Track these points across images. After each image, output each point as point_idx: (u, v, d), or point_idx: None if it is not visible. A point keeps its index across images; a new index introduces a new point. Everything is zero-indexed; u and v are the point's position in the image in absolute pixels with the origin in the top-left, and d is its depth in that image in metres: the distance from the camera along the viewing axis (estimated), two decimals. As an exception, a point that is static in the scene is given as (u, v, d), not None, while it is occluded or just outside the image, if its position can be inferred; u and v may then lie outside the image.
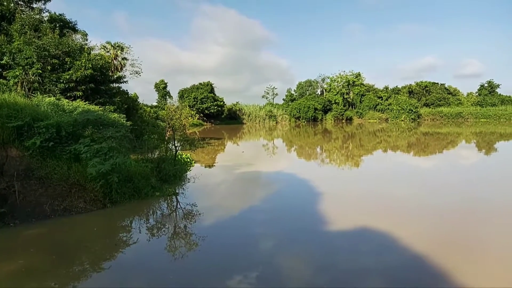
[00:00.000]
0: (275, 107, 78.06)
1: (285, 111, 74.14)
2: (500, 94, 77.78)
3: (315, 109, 68.52)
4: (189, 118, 14.02)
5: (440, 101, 76.66)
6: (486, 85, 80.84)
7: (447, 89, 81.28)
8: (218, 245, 6.56)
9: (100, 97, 16.45)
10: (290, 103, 79.05)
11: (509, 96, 76.47)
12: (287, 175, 14.13)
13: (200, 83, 63.42)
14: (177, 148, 13.32)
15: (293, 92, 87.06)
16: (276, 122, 70.28)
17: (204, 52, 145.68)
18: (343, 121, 69.57)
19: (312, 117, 68.47)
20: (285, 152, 23.07)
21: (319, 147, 26.33)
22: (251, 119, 70.05)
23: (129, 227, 7.71)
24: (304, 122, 68.09)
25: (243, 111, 71.39)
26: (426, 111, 69.27)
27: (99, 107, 13.91)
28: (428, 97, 78.35)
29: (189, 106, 52.86)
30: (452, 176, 13.72)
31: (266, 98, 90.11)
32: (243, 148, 25.17)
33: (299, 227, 7.50)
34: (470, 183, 12.37)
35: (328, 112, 71.70)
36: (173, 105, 15.46)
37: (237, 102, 73.56)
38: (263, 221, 8.01)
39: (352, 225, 7.41)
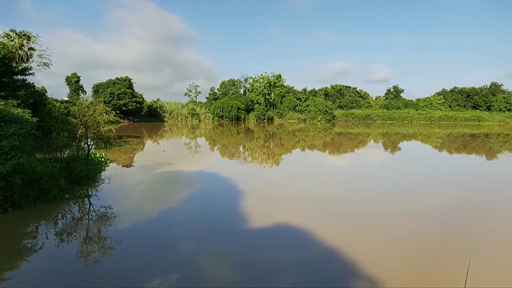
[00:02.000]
0: (198, 105, 77.23)
1: (208, 110, 73.74)
2: (404, 99, 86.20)
3: (238, 108, 69.18)
4: (104, 114, 13.17)
5: (352, 103, 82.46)
6: (392, 90, 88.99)
7: (359, 93, 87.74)
8: (135, 248, 6.26)
9: (2, 90, 14.74)
10: (213, 102, 78.77)
11: (412, 100, 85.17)
12: (210, 174, 14.03)
13: (117, 78, 60.24)
14: (90, 147, 12.46)
15: (216, 91, 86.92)
16: (199, 121, 69.57)
17: (121, 46, 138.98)
18: (265, 120, 71.28)
19: (235, 116, 69.03)
20: (208, 151, 22.91)
21: (241, 146, 26.61)
22: (172, 117, 68.43)
23: (34, 233, 7.00)
24: (227, 121, 68.36)
25: (164, 108, 69.47)
26: (340, 113, 74.04)
27: (0, 101, 12.46)
28: (342, 99, 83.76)
29: (104, 102, 49.85)
30: (363, 172, 14.82)
31: (189, 96, 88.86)
32: (164, 146, 24.44)
33: (220, 227, 7.48)
34: (380, 178, 13.45)
35: (250, 111, 72.86)
36: (87, 100, 14.41)
37: (158, 99, 71.34)
38: (183, 221, 7.84)
39: (272, 223, 7.58)
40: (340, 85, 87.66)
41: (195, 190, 11.04)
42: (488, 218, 8.39)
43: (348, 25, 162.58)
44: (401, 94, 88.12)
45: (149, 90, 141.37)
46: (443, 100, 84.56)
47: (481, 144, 29.80)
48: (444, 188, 11.77)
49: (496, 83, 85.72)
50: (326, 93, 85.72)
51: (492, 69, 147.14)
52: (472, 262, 5.60)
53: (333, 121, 69.45)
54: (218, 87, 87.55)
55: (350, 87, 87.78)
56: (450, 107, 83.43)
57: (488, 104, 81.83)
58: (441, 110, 79.88)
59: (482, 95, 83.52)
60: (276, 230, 7.23)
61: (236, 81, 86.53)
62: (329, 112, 68.65)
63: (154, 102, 69.60)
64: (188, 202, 9.55)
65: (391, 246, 6.46)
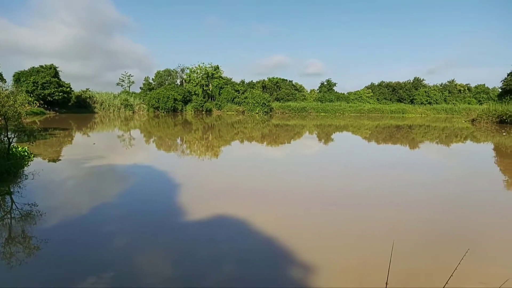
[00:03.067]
0: (131, 96, 74.03)
1: (143, 101, 71.03)
2: (336, 92, 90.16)
3: (175, 99, 67.56)
4: (26, 105, 12.11)
5: (288, 96, 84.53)
6: (325, 83, 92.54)
7: (294, 86, 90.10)
8: (64, 247, 5.84)
9: None
10: (148, 92, 76.06)
11: (343, 94, 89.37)
12: (145, 168, 13.55)
13: (42, 66, 55.75)
14: (10, 140, 11.40)
15: (151, 81, 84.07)
16: (133, 112, 66.83)
17: (47, 31, 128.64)
18: (203, 112, 70.48)
19: (172, 108, 67.34)
20: (143, 144, 22.11)
21: (179, 138, 26.07)
22: (104, 108, 64.96)
23: None
24: (163, 112, 66.46)
25: (95, 99, 65.69)
26: (277, 105, 75.52)
27: None
28: (278, 92, 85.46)
29: (27, 91, 45.96)
30: (300, 162, 15.28)
31: (122, 86, 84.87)
32: (95, 139, 23.13)
33: (157, 221, 7.25)
34: (315, 167, 13.95)
35: (188, 103, 71.54)
36: (6, 89, 13.11)
37: (87, 89, 67.28)
38: (117, 217, 7.48)
39: (211, 215, 7.52)
40: (277, 78, 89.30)
41: (130, 184, 10.59)
42: (409, 198, 9.09)
43: (287, 19, 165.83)
44: (333, 88, 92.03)
45: (77, 79, 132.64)
46: (372, 94, 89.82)
47: (405, 134, 32.18)
48: (373, 174, 12.53)
49: (418, 78, 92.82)
50: (263, 86, 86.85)
51: (416, 66, 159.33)
52: (396, 243, 6.01)
53: (270, 113, 70.65)
54: (153, 77, 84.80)
55: (286, 80, 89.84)
56: (378, 100, 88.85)
57: (412, 98, 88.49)
58: (370, 103, 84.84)
59: (406, 89, 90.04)
60: (215, 222, 7.18)
61: (173, 71, 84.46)
62: (266, 104, 69.68)
63: (83, 92, 65.51)
64: (122, 197, 9.13)
65: (328, 233, 6.72)
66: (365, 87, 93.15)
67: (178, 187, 9.95)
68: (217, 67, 76.72)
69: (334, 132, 33.95)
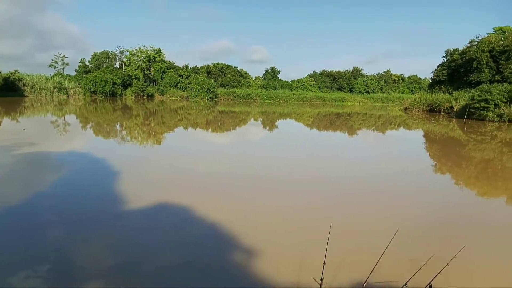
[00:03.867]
0: (66, 79, 69.22)
1: (79, 84, 66.78)
2: (280, 79, 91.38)
3: (114, 83, 64.33)
4: None
5: (233, 82, 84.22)
6: (270, 70, 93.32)
7: (239, 72, 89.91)
8: (-9, 242, 5.39)
9: None
10: (84, 75, 71.48)
11: (287, 81, 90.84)
12: (82, 155, 12.83)
13: (-40, 43, 50.14)
14: None
15: (87, 63, 79.16)
16: (68, 96, 62.70)
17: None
18: (145, 97, 67.93)
19: (111, 92, 64.10)
20: (79, 130, 20.90)
21: (118, 124, 24.98)
22: (35, 92, 60.19)
23: None
24: (101, 97, 63.07)
25: (25, 81, 60.55)
26: (222, 91, 74.95)
27: None
28: (223, 78, 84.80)
29: None
30: (245, 149, 15.38)
31: (55, 68, 78.92)
32: (25, 125, 21.46)
33: (95, 211, 6.92)
34: (259, 154, 14.11)
35: (128, 87, 68.49)
36: None
37: (16, 71, 61.74)
38: (52, 207, 7.02)
39: (153, 203, 7.32)
40: (222, 63, 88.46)
41: (66, 173, 9.98)
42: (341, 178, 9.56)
43: (230, 4, 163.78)
44: (278, 75, 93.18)
45: (4, 60, 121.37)
46: (314, 82, 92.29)
47: (344, 122, 33.63)
48: (314, 161, 12.98)
49: (357, 67, 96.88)
50: (208, 71, 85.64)
51: (355, 56, 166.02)
52: (333, 225, 6.29)
53: (215, 99, 69.99)
54: (90, 59, 79.85)
55: (231, 66, 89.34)
56: (320, 89, 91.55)
57: (351, 87, 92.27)
58: (312, 91, 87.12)
59: (346, 78, 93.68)
60: (158, 210, 7.01)
61: (111, 54, 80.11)
62: (211, 90, 68.82)
63: (12, 74, 60.06)
64: (57, 186, 8.58)
65: (270, 218, 6.85)
66: (308, 75, 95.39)
67: (118, 175, 9.55)
68: (159, 50, 74.15)
69: (279, 119, 34.54)
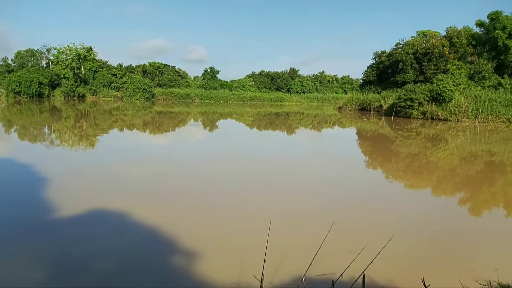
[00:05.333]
0: (-16, 79, 63.11)
1: (1, 85, 61.18)
2: (219, 79, 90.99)
3: (40, 83, 59.76)
4: None
5: (171, 82, 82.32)
6: (209, 70, 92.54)
7: (177, 72, 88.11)
8: None
9: None
10: (7, 75, 65.61)
11: (226, 81, 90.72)
12: (5, 161, 11.76)
13: None
14: None
15: (10, 62, 72.74)
16: (-13, 98, 57.19)
17: None
18: (75, 98, 63.96)
19: (37, 93, 59.46)
20: (2, 134, 19.13)
21: (47, 127, 23.26)
22: None
23: None
24: (26, 98, 58.30)
25: None
26: (159, 91, 72.89)
27: None
28: (161, 78, 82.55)
29: None
30: (185, 150, 15.10)
31: (-29, 67, 71.53)
32: None
33: (22, 220, 6.36)
34: (198, 156, 13.92)
35: (56, 87, 63.99)
36: None
37: None
38: (-31, 220, 6.34)
39: (86, 210, 6.89)
40: (158, 62, 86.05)
41: (-15, 181, 9.07)
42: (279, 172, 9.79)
43: (164, 1, 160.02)
44: (217, 75, 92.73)
45: None
46: (253, 82, 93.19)
47: (283, 121, 34.42)
48: (255, 159, 13.11)
49: (294, 68, 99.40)
50: (144, 70, 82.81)
51: (292, 57, 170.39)
52: (274, 222, 6.40)
53: (152, 99, 67.85)
54: (13, 58, 73.51)
55: (169, 65, 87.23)
56: (259, 89, 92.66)
57: (288, 87, 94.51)
58: (251, 91, 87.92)
59: (284, 79, 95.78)
60: (92, 217, 6.62)
61: (37, 52, 74.34)
62: (148, 90, 66.56)
63: None
64: (-25, 196, 7.77)
65: (210, 220, 6.79)
66: (247, 75, 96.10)
67: (47, 181, 8.86)
68: (90, 49, 70.19)
69: (219, 119, 34.43)
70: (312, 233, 6.00)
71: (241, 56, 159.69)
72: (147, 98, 66.06)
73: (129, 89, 65.78)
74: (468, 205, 8.71)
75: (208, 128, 26.20)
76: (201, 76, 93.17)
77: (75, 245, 5.41)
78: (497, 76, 35.59)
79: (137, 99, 64.52)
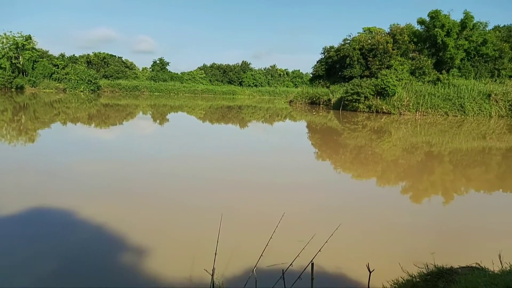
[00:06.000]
0: None
1: None
2: (169, 71, 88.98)
3: (-29, 73, 54.99)
4: None
5: (118, 73, 79.15)
6: (158, 62, 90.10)
7: (125, 63, 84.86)
8: None
9: None
10: None
11: (177, 74, 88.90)
12: None
13: None
14: None
15: None
16: None
17: None
18: (13, 89, 59.51)
19: (-33, 84, 54.68)
20: None
21: (-22, 120, 21.46)
22: None
23: None
24: (-46, 89, 53.38)
25: None
26: (105, 83, 69.81)
27: None
28: (107, 69, 79.09)
29: None
30: (133, 144, 14.60)
31: None
32: None
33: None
34: (146, 151, 13.53)
35: (-10, 78, 59.21)
36: None
37: None
38: None
39: (28, 208, 6.47)
40: (104, 53, 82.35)
41: None
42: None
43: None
44: (167, 67, 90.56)
45: None
46: (204, 75, 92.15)
47: (236, 114, 34.40)
48: (205, 154, 13.00)
49: (246, 62, 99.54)
50: (88, 61, 78.87)
51: (243, 49, 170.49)
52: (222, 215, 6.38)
53: (98, 91, 64.83)
54: None
55: (115, 56, 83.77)
56: (211, 82, 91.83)
57: (240, 80, 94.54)
58: (203, 84, 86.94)
59: (236, 72, 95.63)
60: (34, 216, 6.22)
61: (-33, 40, 68.21)
62: (93, 81, 63.50)
63: None
64: None
65: (159, 215, 6.64)
66: (198, 68, 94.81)
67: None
68: (29, 37, 65.58)
69: (170, 112, 33.67)
70: (263, 225, 6.05)
71: (192, 48, 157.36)
72: (92, 90, 63.00)
73: (72, 81, 62.41)
74: (410, 194, 9.24)
75: (158, 121, 25.53)
76: (150, 68, 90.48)
77: (17, 246, 5.05)
78: (436, 71, 37.92)
79: (81, 91, 61.35)
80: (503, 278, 1.79)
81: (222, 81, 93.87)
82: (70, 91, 61.02)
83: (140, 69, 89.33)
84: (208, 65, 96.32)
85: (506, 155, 15.43)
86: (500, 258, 2.36)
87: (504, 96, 32.68)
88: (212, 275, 2.40)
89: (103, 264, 4.71)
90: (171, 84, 77.94)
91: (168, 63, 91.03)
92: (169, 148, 14.20)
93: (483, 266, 2.45)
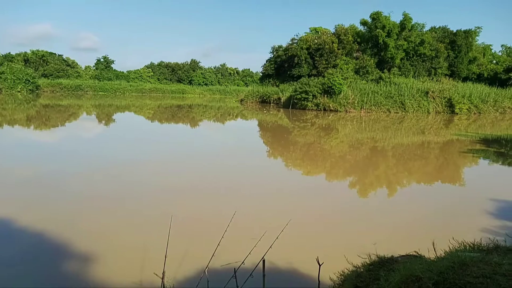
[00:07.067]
0: None
1: None
2: (115, 70, 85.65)
3: None
4: None
5: (59, 72, 74.92)
6: (102, 60, 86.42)
7: (66, 61, 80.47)
8: None
9: None
10: None
11: (123, 72, 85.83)
12: None
13: None
14: None
15: None
16: None
17: None
18: None
19: None
20: None
21: None
22: None
23: None
24: None
25: None
26: (45, 82, 65.73)
27: None
28: (46, 67, 74.59)
29: None
30: (78, 146, 13.89)
31: None
32: None
33: None
34: (90, 152, 12.96)
35: None
36: None
37: None
38: None
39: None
40: (43, 50, 77.52)
41: None
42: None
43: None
44: (111, 65, 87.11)
45: None
46: (152, 73, 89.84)
47: (186, 113, 33.90)
48: (153, 153, 12.71)
49: (195, 60, 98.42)
50: (26, 59, 73.93)
51: (192, 47, 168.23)
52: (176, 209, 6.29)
53: (37, 91, 60.88)
54: None
55: (55, 54, 79.18)
56: (159, 80, 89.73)
57: (190, 79, 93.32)
58: (151, 83, 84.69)
59: (185, 70, 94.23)
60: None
61: None
62: (31, 81, 59.51)
63: None
64: None
65: (104, 222, 6.41)
66: (145, 66, 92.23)
67: None
68: (-44, 32, 60.21)
69: (116, 113, 32.45)
70: (215, 225, 6.03)
71: (138, 45, 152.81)
72: (30, 90, 59.05)
73: (8, 80, 58.06)
74: (357, 188, 9.64)
75: (103, 122, 24.50)
76: (93, 66, 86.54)
77: None
78: (378, 70, 39.90)
79: (19, 91, 57.25)
80: (437, 264, 1.94)
81: (171, 80, 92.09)
82: (6, 91, 56.66)
83: (83, 68, 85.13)
84: (156, 64, 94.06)
85: (443, 149, 16.58)
86: (433, 245, 2.55)
87: (440, 93, 35.10)
88: (163, 278, 2.36)
89: (46, 274, 4.45)
90: (117, 83, 74.94)
91: (113, 61, 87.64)
92: (114, 150, 13.69)
93: (421, 254, 2.64)
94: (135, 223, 6.20)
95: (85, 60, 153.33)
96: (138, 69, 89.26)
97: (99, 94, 66.98)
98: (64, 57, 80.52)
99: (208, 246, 4.53)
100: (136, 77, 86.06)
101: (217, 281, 2.64)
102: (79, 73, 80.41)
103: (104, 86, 71.36)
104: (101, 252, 4.93)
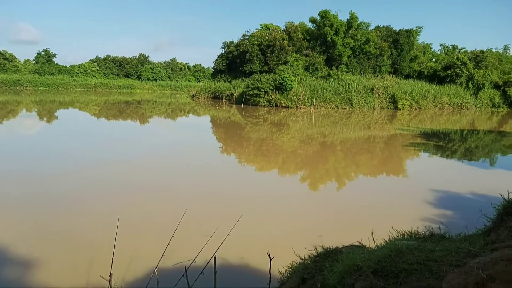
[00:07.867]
0: None
1: None
2: (57, 64, 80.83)
3: None
4: None
5: (-5, 66, 69.49)
6: (43, 53, 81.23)
7: (3, 54, 74.68)
8: None
9: None
10: None
11: (66, 66, 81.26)
12: None
13: None
14: None
15: None
16: None
17: None
18: None
19: None
20: None
21: None
22: None
23: None
24: None
25: None
26: (-21, 77, 60.74)
27: None
28: (-21, 61, 68.84)
29: None
30: (17, 145, 13.02)
31: None
32: None
33: None
34: (33, 153, 12.23)
35: None
36: None
37: None
38: None
39: None
40: (-25, 42, 71.48)
41: None
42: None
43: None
44: (53, 59, 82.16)
45: None
46: (98, 68, 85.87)
47: (135, 110, 32.87)
48: (98, 151, 12.24)
49: (144, 54, 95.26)
50: (-45, 51, 67.73)
51: (142, 42, 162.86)
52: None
53: (-31, 87, 56.15)
54: None
55: (-11, 46, 73.25)
56: (105, 75, 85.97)
57: (139, 74, 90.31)
58: (97, 78, 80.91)
59: (133, 65, 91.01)
60: None
61: None
62: (-39, 75, 54.77)
63: None
64: None
65: (48, 223, 6.10)
66: (90, 60, 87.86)
67: None
68: None
69: (59, 109, 30.74)
70: (165, 223, 5.95)
71: (82, 38, 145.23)
72: (-39, 85, 54.19)
73: None
74: (307, 182, 9.92)
75: (45, 119, 23.12)
76: (33, 60, 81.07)
77: None
78: (327, 68, 41.01)
79: None
80: (377, 253, 2.07)
81: (118, 75, 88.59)
82: None
83: (22, 62, 79.47)
84: (102, 58, 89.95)
85: (388, 143, 17.47)
86: (372, 236, 2.71)
87: (384, 90, 36.88)
88: (110, 281, 2.29)
89: None
90: (59, 78, 70.73)
91: (54, 55, 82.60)
92: (56, 149, 12.99)
93: (363, 244, 2.79)
94: (80, 224, 5.95)
95: (25, 54, 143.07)
96: (82, 64, 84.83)
97: (39, 89, 62.97)
98: (1, 50, 74.70)
99: (158, 245, 4.47)
100: (80, 72, 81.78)
101: (168, 281, 2.61)
102: (18, 67, 74.94)
103: (45, 81, 67.10)
104: (44, 255, 4.69)
